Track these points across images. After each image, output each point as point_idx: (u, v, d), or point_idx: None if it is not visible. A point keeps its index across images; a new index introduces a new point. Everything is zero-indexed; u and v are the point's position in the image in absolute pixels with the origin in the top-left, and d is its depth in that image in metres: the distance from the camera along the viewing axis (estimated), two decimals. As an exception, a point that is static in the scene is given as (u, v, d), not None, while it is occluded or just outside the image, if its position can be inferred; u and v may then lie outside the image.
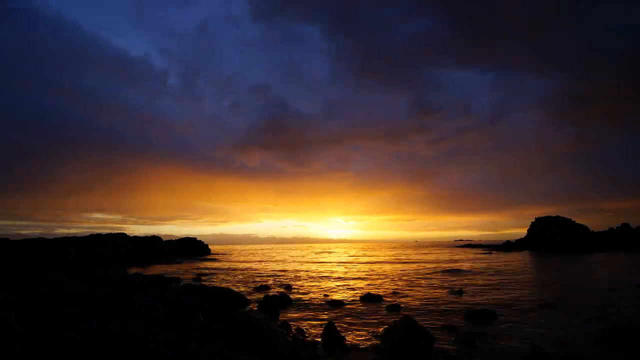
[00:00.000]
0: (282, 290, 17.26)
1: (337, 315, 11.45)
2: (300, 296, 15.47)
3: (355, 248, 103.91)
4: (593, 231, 69.78)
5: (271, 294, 15.77)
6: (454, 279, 21.17)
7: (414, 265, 32.09)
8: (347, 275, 24.36)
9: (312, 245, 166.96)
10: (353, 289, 17.35)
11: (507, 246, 71.93)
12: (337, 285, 19.06)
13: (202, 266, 35.61)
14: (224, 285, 19.19)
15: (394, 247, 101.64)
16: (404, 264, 33.81)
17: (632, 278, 20.79)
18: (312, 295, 15.78)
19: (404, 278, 21.94)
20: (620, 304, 12.71)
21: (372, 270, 27.62)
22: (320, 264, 36.81)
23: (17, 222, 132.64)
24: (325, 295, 15.49)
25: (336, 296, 15.24)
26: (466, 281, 19.81)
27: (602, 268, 27.68)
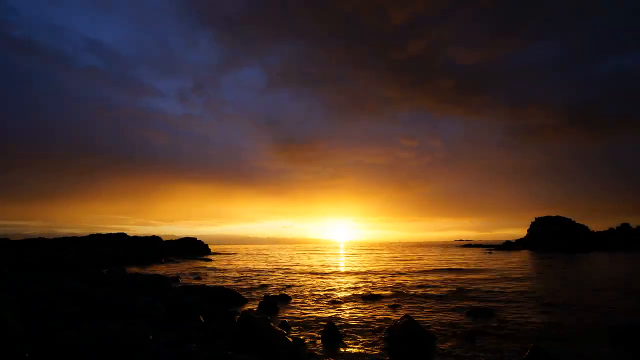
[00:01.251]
0: (282, 289, 17.27)
1: (337, 315, 11.45)
2: (301, 296, 15.48)
3: (354, 248, 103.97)
4: (593, 231, 69.83)
5: (271, 293, 15.77)
6: (454, 277, 21.16)
7: (415, 265, 32.09)
8: (347, 275, 24.36)
9: (313, 245, 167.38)
10: (353, 288, 17.35)
11: (507, 246, 71.96)
12: (337, 285, 19.05)
13: (202, 266, 35.62)
14: (224, 285, 19.18)
15: (387, 248, 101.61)
16: (404, 264, 33.81)
17: (632, 277, 20.81)
18: (312, 294, 15.78)
19: (405, 277, 21.93)
20: (621, 303, 12.72)
21: (372, 270, 27.62)
22: (320, 263, 36.83)
23: (17, 222, 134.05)
24: (325, 295, 15.49)
25: (336, 295, 15.25)
26: (467, 279, 19.81)
27: (602, 267, 27.70)
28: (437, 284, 18.92)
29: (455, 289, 16.61)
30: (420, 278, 21.73)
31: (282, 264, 37.50)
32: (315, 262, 40.01)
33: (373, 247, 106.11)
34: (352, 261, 40.64)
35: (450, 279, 20.75)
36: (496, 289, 16.41)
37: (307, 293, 16.33)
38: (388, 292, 16.01)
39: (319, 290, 17.05)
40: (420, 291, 16.33)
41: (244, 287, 18.85)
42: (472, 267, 29.24)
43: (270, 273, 26.83)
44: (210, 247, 70.77)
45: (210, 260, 47.44)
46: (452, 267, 28.75)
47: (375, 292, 15.66)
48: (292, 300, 14.28)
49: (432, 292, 15.88)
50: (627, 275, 21.91)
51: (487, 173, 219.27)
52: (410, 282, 19.67)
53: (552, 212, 71.67)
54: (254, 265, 36.38)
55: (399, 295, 15.38)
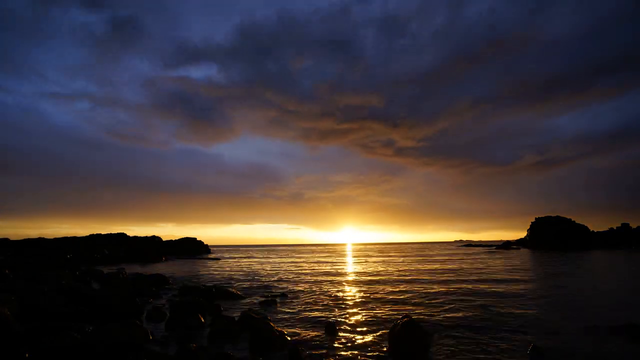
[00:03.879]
0: (282, 289, 17.26)
1: (337, 314, 11.45)
2: (301, 295, 15.47)
3: (355, 249, 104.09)
4: (593, 231, 69.84)
5: (271, 293, 15.78)
6: (453, 276, 21.16)
7: (415, 264, 32.10)
8: (348, 275, 24.37)
9: (313, 247, 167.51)
10: (354, 288, 17.35)
11: (506, 245, 71.98)
12: (338, 285, 19.05)
13: (202, 266, 35.64)
14: (223, 284, 19.19)
15: (386, 249, 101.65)
16: (404, 263, 33.82)
17: (632, 275, 20.83)
18: (312, 294, 15.77)
19: (404, 276, 21.93)
20: (621, 301, 12.73)
21: (372, 269, 27.63)
22: (321, 264, 36.84)
23: (17, 222, 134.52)
24: (326, 294, 15.48)
25: (336, 295, 15.24)
26: (466, 278, 19.80)
27: (602, 266, 27.70)
28: (438, 282, 18.92)
29: (455, 287, 16.59)
30: (421, 277, 21.73)
31: (283, 264, 37.52)
32: (316, 262, 40.03)
33: (373, 248, 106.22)
34: (352, 261, 40.65)
35: (451, 278, 20.75)
36: (496, 288, 16.41)
37: (307, 292, 16.33)
38: (388, 291, 16.01)
39: (319, 290, 17.05)
40: (420, 289, 16.32)
41: (244, 286, 18.85)
42: (471, 265, 29.24)
43: (271, 273, 26.84)
44: (210, 247, 70.87)
45: (210, 260, 47.47)
46: (451, 267, 28.75)
47: (376, 292, 15.65)
48: (292, 300, 14.28)
49: (433, 291, 15.88)
50: (627, 274, 21.92)
51: (472, 188, 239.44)
52: (410, 281, 19.66)
53: (552, 213, 71.51)
54: (254, 265, 36.39)
55: (399, 294, 15.38)
